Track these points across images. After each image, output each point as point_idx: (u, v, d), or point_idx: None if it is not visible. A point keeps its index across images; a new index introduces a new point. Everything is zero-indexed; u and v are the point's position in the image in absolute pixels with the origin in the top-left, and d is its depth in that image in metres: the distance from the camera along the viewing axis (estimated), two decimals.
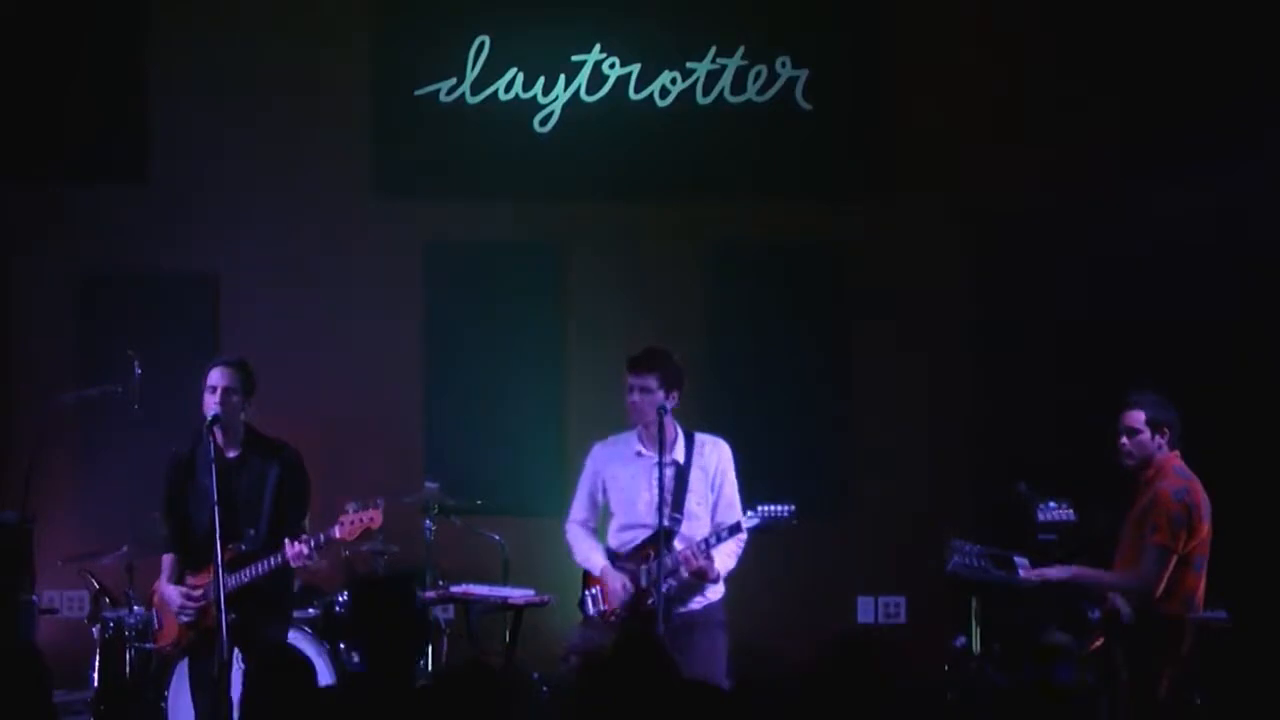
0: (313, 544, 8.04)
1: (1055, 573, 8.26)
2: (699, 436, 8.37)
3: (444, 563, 9.90)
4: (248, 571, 8.08)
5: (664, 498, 8.08)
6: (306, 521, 8.36)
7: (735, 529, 8.17)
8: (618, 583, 8.23)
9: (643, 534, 8.23)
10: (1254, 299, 10.46)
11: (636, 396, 8.18)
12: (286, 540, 8.05)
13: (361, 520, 8.09)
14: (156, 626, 8.50)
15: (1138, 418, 8.19)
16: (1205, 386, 9.61)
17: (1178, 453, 8.22)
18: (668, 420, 8.13)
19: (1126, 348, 10.21)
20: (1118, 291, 10.50)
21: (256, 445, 8.29)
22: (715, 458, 8.33)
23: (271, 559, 8.07)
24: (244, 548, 8.12)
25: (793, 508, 8.11)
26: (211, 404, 8.16)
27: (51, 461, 10.37)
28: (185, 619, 8.25)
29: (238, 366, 8.26)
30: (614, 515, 8.42)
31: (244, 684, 6.40)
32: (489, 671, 5.66)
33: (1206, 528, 8.14)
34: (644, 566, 8.18)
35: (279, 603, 8.39)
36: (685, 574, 8.13)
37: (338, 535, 8.09)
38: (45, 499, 9.95)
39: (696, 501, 8.26)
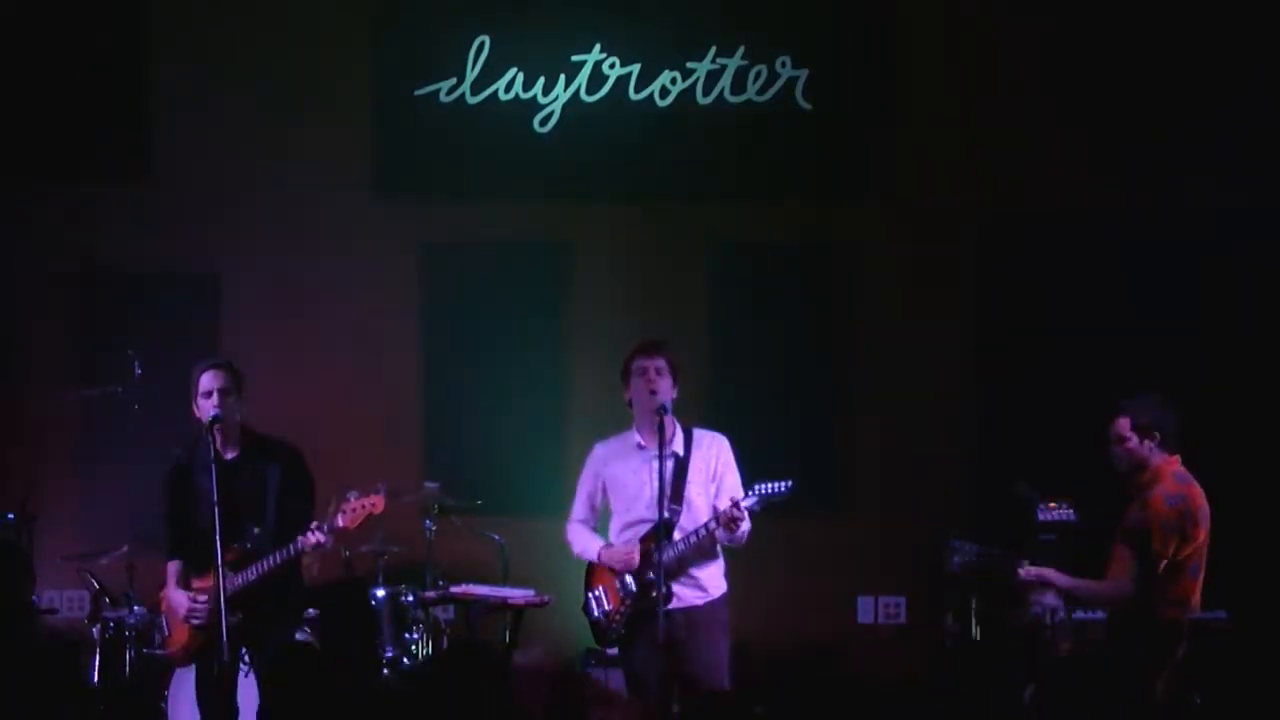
0: (325, 529, 7.98)
1: (1054, 578, 8.22)
2: (698, 432, 8.36)
3: (444, 563, 9.90)
4: (254, 568, 7.97)
5: (664, 490, 8.07)
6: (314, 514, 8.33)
7: (734, 507, 8.13)
8: (621, 551, 8.21)
9: (644, 529, 8.21)
10: (1254, 299, 10.46)
11: (653, 376, 8.17)
12: (305, 529, 7.93)
13: (364, 506, 7.99)
14: (165, 634, 8.43)
15: (1123, 425, 8.09)
16: (1206, 387, 9.62)
17: (1177, 457, 8.13)
18: (667, 419, 8.14)
19: (1127, 348, 10.21)
20: (1118, 292, 10.50)
21: (255, 445, 8.20)
22: (715, 450, 8.32)
23: (282, 551, 7.96)
24: (249, 545, 8.03)
25: (790, 483, 8.05)
26: (209, 407, 8.05)
27: (51, 461, 10.39)
28: (196, 622, 8.12)
29: (227, 367, 8.16)
30: (615, 514, 8.39)
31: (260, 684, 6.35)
32: None
33: (1203, 533, 8.04)
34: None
35: (289, 602, 8.31)
36: (716, 527, 8.09)
37: (341, 524, 8.00)
38: (45, 499, 9.96)
39: (696, 492, 8.24)
